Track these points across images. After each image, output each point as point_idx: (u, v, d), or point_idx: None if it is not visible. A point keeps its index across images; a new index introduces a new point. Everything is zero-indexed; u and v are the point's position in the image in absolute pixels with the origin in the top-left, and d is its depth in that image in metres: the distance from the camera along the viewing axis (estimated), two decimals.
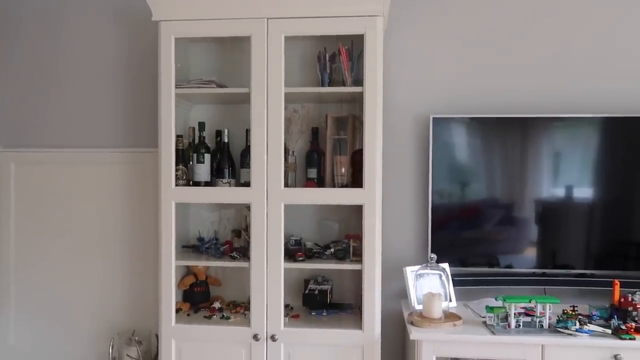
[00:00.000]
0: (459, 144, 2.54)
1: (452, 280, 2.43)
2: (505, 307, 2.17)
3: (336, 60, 2.46)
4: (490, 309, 2.19)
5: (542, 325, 2.15)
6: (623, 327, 2.09)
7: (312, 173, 2.53)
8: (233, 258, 2.44)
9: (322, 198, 2.34)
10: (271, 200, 2.30)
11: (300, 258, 2.40)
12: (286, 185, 2.39)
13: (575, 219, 2.50)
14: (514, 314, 2.15)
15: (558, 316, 2.15)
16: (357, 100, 2.46)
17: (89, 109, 2.83)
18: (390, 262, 2.60)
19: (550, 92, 2.60)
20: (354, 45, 2.41)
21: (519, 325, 2.15)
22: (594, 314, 2.21)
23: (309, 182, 2.51)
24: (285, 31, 2.27)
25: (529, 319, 2.17)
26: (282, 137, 2.30)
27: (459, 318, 2.22)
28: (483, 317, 2.25)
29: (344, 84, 2.41)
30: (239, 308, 2.55)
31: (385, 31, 2.49)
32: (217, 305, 2.55)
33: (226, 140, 2.55)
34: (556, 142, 2.50)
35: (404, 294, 2.48)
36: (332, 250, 2.47)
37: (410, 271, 2.40)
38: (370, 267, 2.28)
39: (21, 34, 2.86)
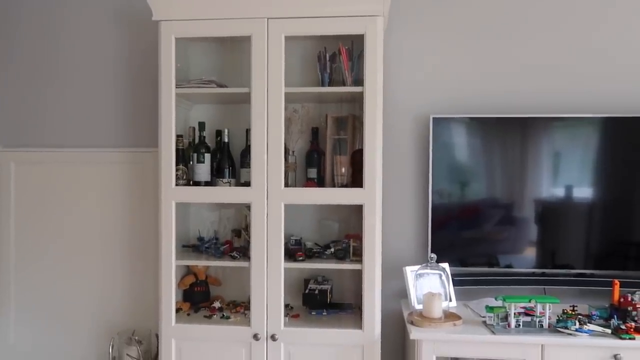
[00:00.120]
0: (459, 144, 2.54)
1: (452, 280, 2.43)
2: (505, 307, 2.17)
3: (336, 60, 2.46)
4: (490, 308, 2.19)
5: (542, 325, 2.15)
6: (623, 326, 2.09)
7: (312, 173, 2.53)
8: (233, 258, 2.44)
9: (322, 198, 2.34)
10: (271, 200, 2.30)
11: (300, 258, 2.40)
12: (286, 185, 2.39)
13: (575, 219, 2.50)
14: (514, 313, 2.15)
15: (558, 316, 2.16)
16: (357, 100, 2.46)
17: (89, 109, 2.83)
18: (390, 261, 2.60)
19: (550, 92, 2.61)
20: (354, 45, 2.41)
21: (519, 325, 2.15)
22: (593, 313, 2.21)
23: (309, 182, 2.52)
24: (285, 31, 2.27)
25: (528, 318, 2.17)
26: (282, 137, 2.30)
27: (459, 318, 2.22)
28: (483, 317, 2.25)
29: (344, 83, 2.42)
30: (239, 308, 2.55)
31: (386, 31, 2.49)
32: (217, 304, 2.55)
33: (226, 140, 2.55)
34: (556, 142, 2.51)
35: (404, 294, 2.48)
36: (332, 250, 2.47)
37: (410, 271, 2.40)
38: (370, 266, 2.28)
39: (21, 33, 2.86)
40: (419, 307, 2.30)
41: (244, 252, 2.47)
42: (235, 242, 2.60)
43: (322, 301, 2.49)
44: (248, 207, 2.38)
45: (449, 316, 2.23)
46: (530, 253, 2.53)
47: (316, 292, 2.50)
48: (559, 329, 2.12)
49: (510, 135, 2.53)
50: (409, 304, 2.38)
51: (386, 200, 2.58)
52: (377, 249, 2.29)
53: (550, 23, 2.62)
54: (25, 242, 2.85)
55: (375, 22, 2.24)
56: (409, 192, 2.68)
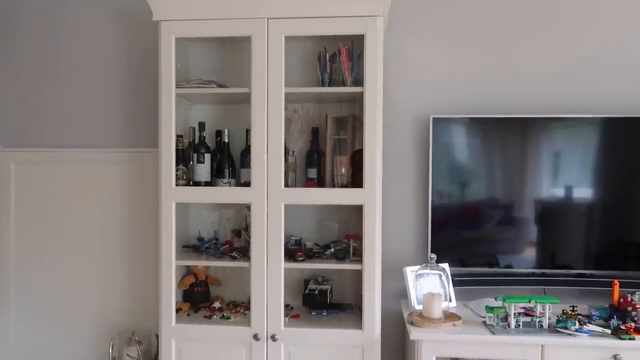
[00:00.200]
0: (459, 144, 2.54)
1: (452, 280, 2.43)
2: (505, 307, 2.17)
3: (336, 60, 2.46)
4: (490, 309, 2.19)
5: (541, 325, 2.15)
6: (622, 327, 2.09)
7: (312, 173, 2.53)
8: (233, 258, 2.44)
9: (322, 198, 2.34)
10: (271, 200, 2.30)
11: (301, 258, 2.40)
12: (286, 185, 2.39)
13: (574, 219, 2.50)
14: (514, 314, 2.15)
15: (558, 316, 2.16)
16: (357, 100, 2.46)
17: (89, 109, 2.83)
18: (390, 262, 2.60)
19: (550, 92, 2.61)
20: (354, 45, 2.41)
21: (519, 325, 2.15)
22: (593, 314, 2.21)
23: (309, 182, 2.52)
24: (285, 31, 2.27)
25: (528, 319, 2.17)
26: (282, 137, 2.30)
27: (459, 318, 2.23)
28: (483, 317, 2.25)
29: (344, 84, 2.42)
30: (239, 308, 2.55)
31: (386, 31, 2.49)
32: (217, 305, 2.55)
33: (226, 140, 2.55)
34: (556, 143, 2.51)
35: (403, 294, 2.48)
36: (332, 250, 2.47)
37: (410, 271, 2.40)
38: (370, 267, 2.28)
39: (21, 33, 2.86)
40: (419, 307, 2.30)
41: (244, 253, 2.47)
42: (235, 242, 2.60)
43: (322, 301, 2.49)
44: (248, 207, 2.38)
45: (449, 316, 2.24)
46: (530, 253, 2.53)
47: (316, 292, 2.50)
48: (559, 329, 2.12)
49: (510, 135, 2.53)
50: (408, 304, 2.38)
51: (386, 200, 2.58)
52: (377, 249, 2.29)
53: (550, 23, 2.62)
54: (25, 242, 2.85)
55: (376, 22, 2.24)
56: (409, 193, 2.68)
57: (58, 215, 2.82)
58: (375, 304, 2.28)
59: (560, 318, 2.14)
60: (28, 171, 2.84)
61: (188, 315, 2.50)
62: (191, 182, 2.47)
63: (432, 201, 2.53)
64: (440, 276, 2.33)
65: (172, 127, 2.34)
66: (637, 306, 2.14)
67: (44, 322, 2.84)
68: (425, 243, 2.59)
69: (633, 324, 2.10)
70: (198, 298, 2.61)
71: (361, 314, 2.31)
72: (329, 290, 2.52)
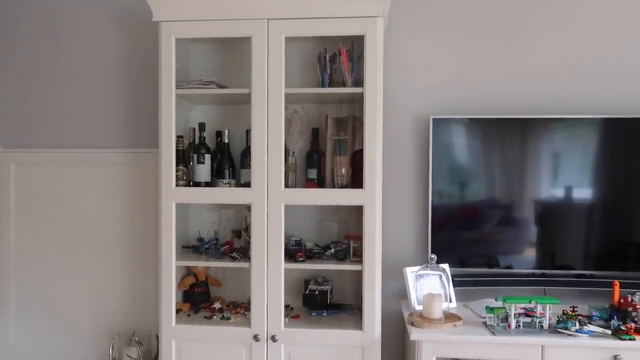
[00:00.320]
0: (458, 145, 2.54)
1: (452, 280, 2.43)
2: (505, 308, 2.17)
3: (336, 61, 2.46)
4: (490, 309, 2.19)
5: (542, 326, 2.15)
6: (623, 327, 2.09)
7: (313, 174, 2.53)
8: (233, 258, 2.44)
9: (322, 199, 2.34)
10: (271, 200, 2.30)
11: (301, 258, 2.40)
12: (286, 185, 2.39)
13: (574, 220, 2.50)
14: (514, 314, 2.15)
15: (558, 317, 2.16)
16: (357, 101, 2.46)
17: (90, 110, 2.83)
18: (390, 262, 2.60)
19: (550, 92, 2.61)
20: (354, 46, 2.41)
21: (519, 325, 2.15)
22: (593, 314, 2.21)
23: (309, 183, 2.52)
24: (285, 32, 2.27)
25: (529, 319, 2.17)
26: (282, 138, 2.30)
27: (459, 318, 2.23)
28: (483, 318, 2.25)
29: (344, 84, 2.42)
30: (239, 308, 2.55)
31: (386, 32, 2.49)
32: (217, 305, 2.55)
33: (226, 140, 2.55)
34: (556, 143, 2.51)
35: (404, 295, 2.48)
36: (332, 250, 2.47)
37: (410, 272, 2.40)
38: (370, 267, 2.28)
39: (21, 34, 2.86)
40: (419, 307, 2.30)
41: (244, 253, 2.47)
42: (235, 242, 2.60)
43: (322, 302, 2.49)
44: (248, 207, 2.38)
45: (449, 317, 2.24)
46: (530, 254, 2.53)
47: (316, 292, 2.50)
48: (559, 329, 2.12)
49: (510, 136, 2.53)
50: (409, 304, 2.38)
51: (386, 201, 2.58)
52: (377, 250, 2.29)
53: (550, 24, 2.62)
54: (25, 243, 2.85)
55: (375, 23, 2.24)
56: (409, 193, 2.68)
57: (58, 215, 2.82)
58: (376, 304, 2.28)
59: (561, 318, 2.15)
60: (28, 172, 2.84)
61: (188, 315, 2.50)
62: (191, 183, 2.47)
63: (432, 202, 2.53)
64: (441, 277, 2.33)
65: (172, 127, 2.34)
66: (637, 307, 2.14)
67: (44, 322, 2.84)
68: (425, 243, 2.59)
69: (633, 325, 2.10)
70: (198, 299, 2.61)
71: (361, 315, 2.31)
72: (329, 291, 2.52)
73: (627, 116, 2.47)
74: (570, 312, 2.16)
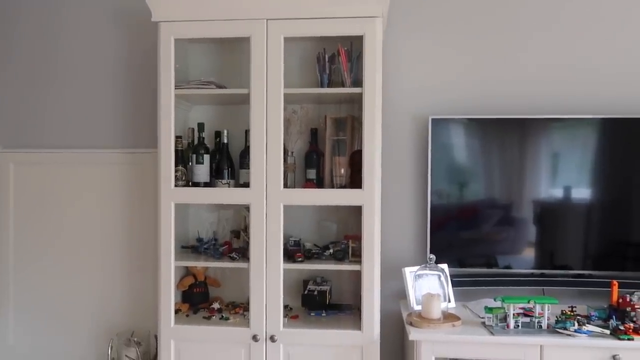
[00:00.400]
0: (457, 145, 2.54)
1: (451, 280, 2.43)
2: (504, 308, 2.17)
3: (335, 61, 2.46)
4: (489, 309, 2.19)
5: (540, 326, 2.15)
6: (621, 327, 2.09)
7: (311, 174, 2.53)
8: (232, 259, 2.44)
9: (321, 199, 2.35)
10: (270, 201, 2.30)
11: (300, 259, 2.40)
12: (285, 186, 2.39)
13: (573, 220, 2.51)
14: (513, 314, 2.15)
15: (557, 317, 2.16)
16: (356, 101, 2.46)
17: (89, 110, 2.83)
18: (389, 262, 2.60)
19: (549, 92, 2.61)
20: (353, 46, 2.42)
21: (518, 325, 2.15)
22: (592, 314, 2.21)
23: (308, 183, 2.52)
24: (284, 32, 2.28)
25: (527, 319, 2.18)
26: (281, 138, 2.30)
27: (458, 318, 2.23)
28: (482, 318, 2.25)
29: (343, 85, 2.42)
30: (238, 309, 2.55)
31: (385, 32, 2.50)
32: (216, 306, 2.55)
33: (225, 141, 2.55)
34: (554, 143, 2.51)
35: (402, 295, 2.48)
36: (331, 250, 2.47)
37: (409, 272, 2.40)
38: (369, 267, 2.28)
39: (20, 34, 2.86)
40: (418, 307, 2.30)
41: (243, 253, 2.47)
42: (234, 243, 2.60)
43: (321, 302, 2.49)
44: (247, 208, 2.38)
45: (448, 317, 2.24)
46: (529, 254, 2.53)
47: (315, 293, 2.50)
48: (558, 329, 2.12)
49: (509, 136, 2.53)
50: (408, 304, 2.38)
51: (385, 201, 2.58)
52: (376, 250, 2.29)
53: (549, 24, 2.62)
54: (24, 243, 2.85)
55: (374, 23, 2.24)
56: (407, 193, 2.68)
57: (57, 216, 2.82)
58: (375, 304, 2.28)
59: (559, 318, 2.15)
60: (27, 172, 2.84)
61: (187, 316, 2.50)
62: (190, 183, 2.47)
63: (431, 202, 2.53)
64: (439, 277, 2.33)
65: (171, 128, 2.34)
66: (636, 306, 2.15)
67: (43, 322, 2.84)
68: (424, 243, 2.59)
69: (632, 325, 2.10)
70: (197, 299, 2.61)
71: (360, 315, 2.31)
72: (328, 291, 2.52)
73: (625, 116, 2.47)
74: (569, 312, 2.16)
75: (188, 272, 2.63)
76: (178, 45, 2.36)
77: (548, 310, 2.16)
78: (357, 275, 2.36)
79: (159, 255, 2.37)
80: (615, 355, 2.06)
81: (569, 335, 2.09)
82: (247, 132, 2.46)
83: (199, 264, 2.53)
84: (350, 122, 2.53)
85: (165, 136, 2.34)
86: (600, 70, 2.59)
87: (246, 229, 2.50)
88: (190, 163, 2.49)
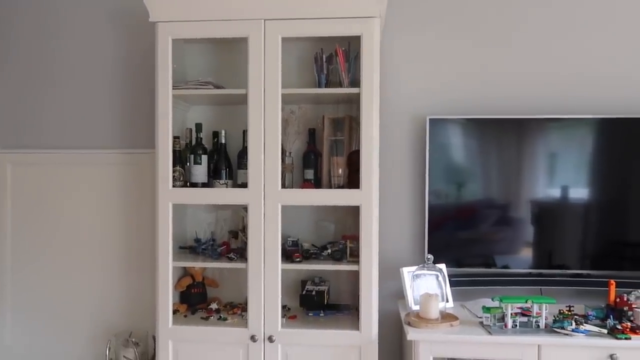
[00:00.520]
0: (455, 145, 2.55)
1: (449, 280, 2.43)
2: (501, 308, 2.17)
3: (333, 61, 2.46)
4: (486, 309, 2.20)
5: (538, 326, 2.15)
6: (619, 326, 2.10)
7: (309, 174, 2.53)
8: (230, 259, 2.44)
9: (319, 199, 2.35)
10: (268, 201, 2.30)
11: (298, 259, 2.40)
12: (283, 186, 2.39)
13: (571, 220, 2.51)
14: (511, 314, 2.15)
15: (554, 316, 2.16)
16: (354, 101, 2.46)
17: (86, 110, 2.83)
18: (387, 262, 2.60)
19: (546, 93, 2.61)
20: (351, 47, 2.42)
21: (516, 325, 2.16)
22: (590, 314, 2.22)
23: (306, 183, 2.52)
24: (282, 32, 2.28)
25: (525, 319, 2.18)
26: (279, 138, 2.30)
27: (456, 318, 2.23)
28: (480, 318, 2.25)
29: (340, 85, 2.42)
30: (236, 309, 2.55)
31: (382, 32, 2.50)
32: (214, 306, 2.55)
33: (223, 141, 2.55)
34: (552, 143, 2.51)
35: (400, 295, 2.48)
36: (329, 251, 2.48)
37: (407, 272, 2.40)
38: (367, 267, 2.28)
39: (17, 34, 2.86)
40: (415, 307, 2.30)
41: (241, 254, 2.47)
42: (232, 243, 2.60)
43: (319, 302, 2.49)
44: (245, 208, 2.38)
45: (446, 317, 2.24)
46: (526, 253, 2.54)
47: (313, 293, 2.50)
48: (556, 329, 2.12)
49: (507, 136, 2.53)
50: (406, 304, 2.38)
51: (383, 201, 2.58)
52: (374, 250, 2.29)
53: (547, 24, 2.62)
54: (22, 244, 2.84)
55: (372, 23, 2.24)
56: (405, 193, 2.68)
57: (55, 216, 2.82)
58: (373, 304, 2.28)
59: (557, 318, 2.15)
60: (25, 172, 2.84)
61: (185, 316, 2.50)
62: (188, 184, 2.47)
63: (428, 202, 2.53)
64: (437, 277, 2.34)
65: (169, 128, 2.34)
66: (633, 306, 2.15)
67: (40, 323, 2.84)
68: (422, 243, 2.59)
69: (629, 324, 2.11)
70: (195, 299, 2.60)
71: (358, 315, 2.31)
72: (326, 291, 2.52)
73: (623, 116, 2.47)
74: (567, 312, 2.16)
75: (186, 272, 2.63)
76: (176, 46, 2.35)
77: (546, 309, 2.17)
78: (355, 276, 2.36)
79: (156, 256, 2.37)
80: (613, 354, 2.06)
81: (567, 334, 2.10)
82: (244, 133, 2.45)
83: (197, 264, 2.52)
84: (348, 122, 2.53)
85: (162, 136, 2.34)
86: (597, 70, 2.60)
87: (244, 230, 2.50)
88: (188, 163, 2.48)
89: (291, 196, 2.33)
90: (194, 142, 2.53)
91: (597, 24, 2.60)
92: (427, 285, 2.32)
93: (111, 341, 2.67)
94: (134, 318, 2.77)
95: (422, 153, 2.60)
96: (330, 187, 2.48)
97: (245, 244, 2.38)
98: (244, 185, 2.36)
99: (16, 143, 2.86)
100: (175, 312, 2.46)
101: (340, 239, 2.54)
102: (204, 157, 2.48)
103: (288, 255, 2.42)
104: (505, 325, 2.15)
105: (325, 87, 2.46)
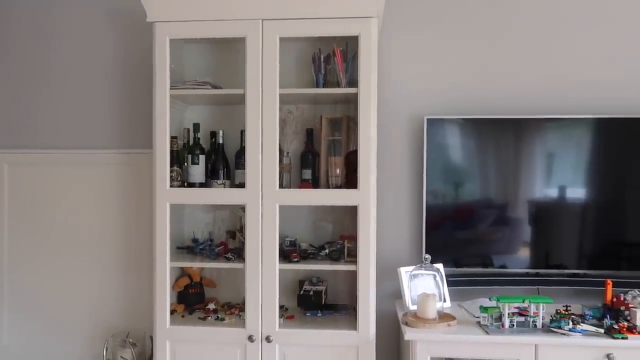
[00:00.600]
0: (453, 145, 2.55)
1: (446, 280, 2.43)
2: (499, 307, 2.18)
3: (331, 61, 2.46)
4: (484, 309, 2.20)
5: (535, 325, 2.16)
6: (615, 326, 2.10)
7: (307, 174, 2.53)
8: (228, 259, 2.44)
9: (316, 199, 2.35)
10: (266, 201, 2.30)
11: (295, 259, 2.40)
12: (281, 186, 2.39)
13: (568, 220, 2.51)
14: (508, 314, 2.16)
15: (551, 316, 2.17)
16: (352, 101, 2.46)
17: (84, 110, 2.82)
18: (385, 262, 2.60)
19: (544, 93, 2.62)
20: (349, 47, 2.42)
21: (513, 325, 2.16)
22: (586, 313, 2.22)
23: (303, 183, 2.52)
24: (280, 32, 2.28)
25: (522, 318, 2.18)
26: (276, 138, 2.30)
27: (453, 318, 2.23)
28: (477, 317, 2.26)
29: (338, 85, 2.42)
30: (234, 309, 2.55)
31: (380, 32, 2.50)
32: (211, 306, 2.55)
33: (221, 141, 2.55)
34: (549, 143, 2.52)
35: (398, 295, 2.48)
36: (327, 251, 2.48)
37: (404, 272, 2.40)
38: (364, 267, 2.29)
39: (14, 34, 2.85)
40: (413, 307, 2.31)
41: (239, 254, 2.47)
42: (229, 243, 2.60)
43: (317, 302, 2.49)
44: (242, 208, 2.38)
45: (443, 317, 2.24)
46: (524, 253, 2.54)
47: (311, 293, 2.50)
48: (553, 329, 2.13)
49: (504, 136, 2.54)
50: (403, 304, 2.38)
51: (380, 201, 2.59)
52: (371, 250, 2.29)
53: (545, 24, 2.63)
54: (18, 244, 2.84)
55: (370, 23, 2.24)
56: (403, 193, 2.69)
57: (52, 216, 2.81)
58: (370, 304, 2.29)
59: (554, 318, 2.15)
60: (21, 172, 2.83)
61: (182, 317, 2.49)
62: (186, 184, 2.47)
63: (426, 202, 2.54)
64: (435, 276, 2.34)
65: (167, 128, 2.33)
66: (630, 305, 2.15)
67: (37, 323, 2.83)
68: (419, 243, 2.59)
69: (626, 323, 2.11)
70: (192, 300, 2.60)
71: (356, 315, 2.31)
72: (323, 291, 2.52)
73: (620, 116, 2.48)
74: (564, 312, 2.17)
75: (183, 272, 2.63)
76: (173, 46, 2.35)
77: (543, 309, 2.17)
78: (353, 276, 2.36)
79: (154, 256, 2.36)
80: (610, 354, 2.06)
81: (564, 334, 2.10)
82: (242, 133, 2.45)
83: (195, 264, 2.52)
84: (345, 122, 2.53)
85: (160, 136, 2.33)
86: (595, 70, 2.60)
87: (242, 230, 2.50)
88: (185, 163, 2.48)
89: (289, 196, 2.33)
90: (191, 142, 2.53)
91: (595, 24, 2.61)
92: (425, 285, 2.32)
93: (108, 341, 2.67)
94: (131, 318, 2.76)
95: (419, 153, 2.61)
96: (328, 187, 2.48)
97: (243, 244, 2.38)
98: (242, 185, 2.36)
99: (13, 143, 2.86)
100: (172, 312, 2.46)
101: (338, 239, 2.54)
102: (202, 157, 2.48)
103: (286, 255, 2.42)
104: (503, 325, 2.16)
105: (323, 87, 2.46)
